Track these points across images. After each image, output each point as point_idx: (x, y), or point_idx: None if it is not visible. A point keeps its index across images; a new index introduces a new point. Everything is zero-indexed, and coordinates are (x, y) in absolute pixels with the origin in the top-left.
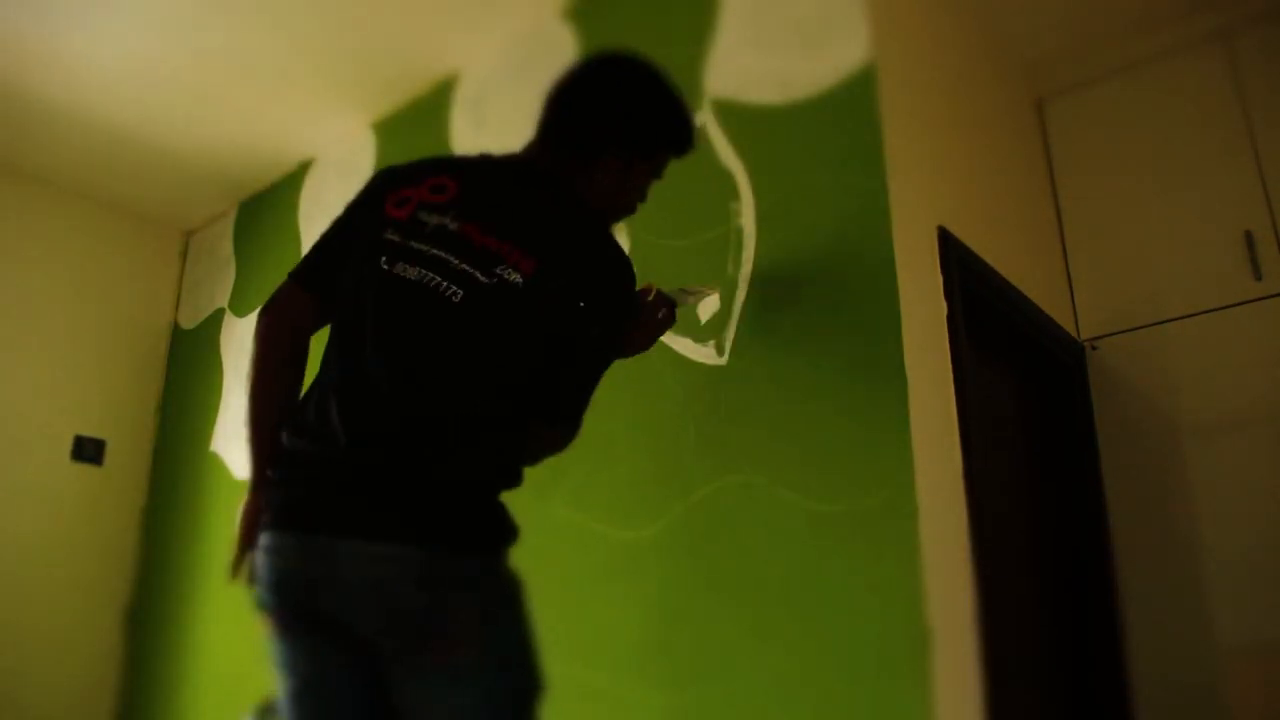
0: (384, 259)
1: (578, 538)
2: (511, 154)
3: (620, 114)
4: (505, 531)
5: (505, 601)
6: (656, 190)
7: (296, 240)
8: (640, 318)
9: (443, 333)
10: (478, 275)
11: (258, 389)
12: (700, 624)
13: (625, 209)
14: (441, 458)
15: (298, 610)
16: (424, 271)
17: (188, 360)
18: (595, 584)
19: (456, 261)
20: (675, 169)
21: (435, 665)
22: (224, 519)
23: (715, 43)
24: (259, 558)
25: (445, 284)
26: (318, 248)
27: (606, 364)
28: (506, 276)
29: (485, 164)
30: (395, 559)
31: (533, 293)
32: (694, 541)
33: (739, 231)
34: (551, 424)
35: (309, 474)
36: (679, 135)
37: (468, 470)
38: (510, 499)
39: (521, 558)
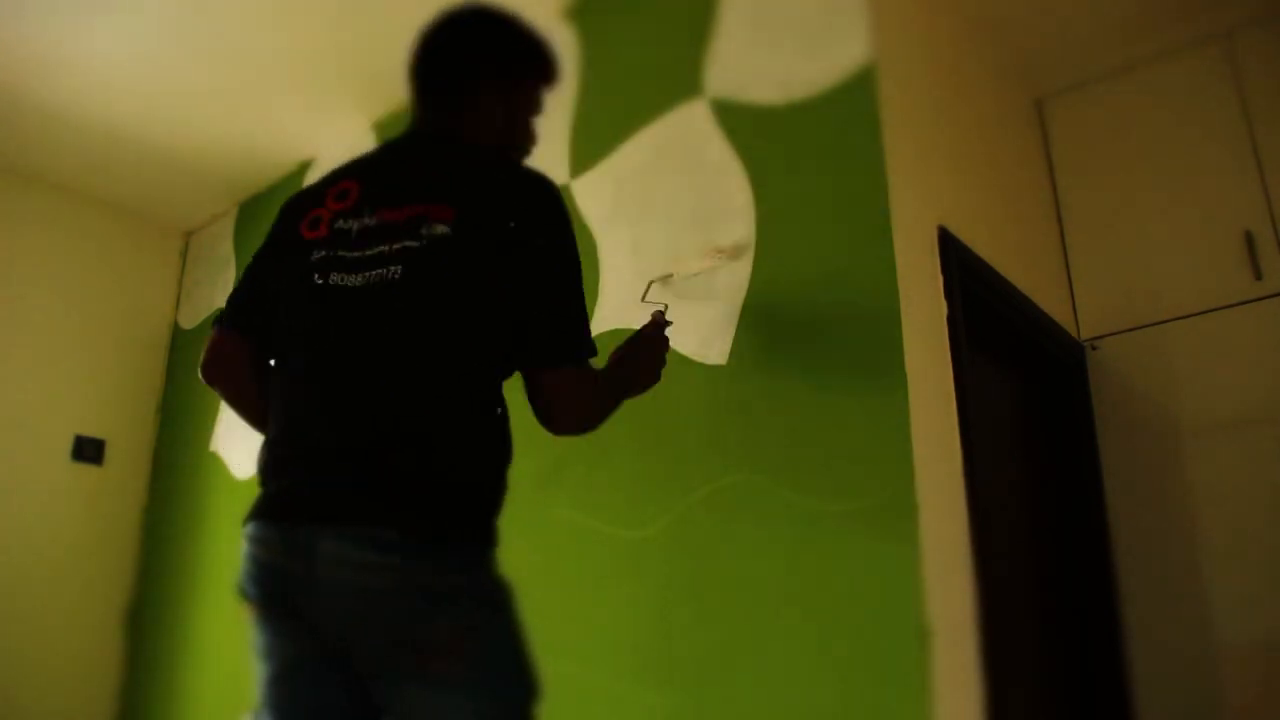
0: (317, 276)
1: (578, 537)
2: (402, 132)
3: (479, 50)
4: (490, 535)
5: (493, 609)
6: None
7: None
8: (642, 343)
9: (396, 314)
10: (408, 244)
11: (241, 412)
12: (700, 624)
13: (522, 141)
14: (430, 447)
15: (278, 601)
16: (366, 274)
17: (188, 360)
18: (596, 584)
19: (388, 247)
20: (680, 166)
21: (415, 675)
22: (224, 519)
23: (715, 42)
24: (244, 546)
25: (385, 270)
26: (238, 291)
27: (578, 286)
28: (433, 231)
29: (379, 152)
30: (375, 565)
31: (463, 236)
32: (695, 541)
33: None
34: (561, 362)
35: (292, 471)
36: (542, 62)
37: (457, 461)
38: (512, 501)
39: (523, 558)
